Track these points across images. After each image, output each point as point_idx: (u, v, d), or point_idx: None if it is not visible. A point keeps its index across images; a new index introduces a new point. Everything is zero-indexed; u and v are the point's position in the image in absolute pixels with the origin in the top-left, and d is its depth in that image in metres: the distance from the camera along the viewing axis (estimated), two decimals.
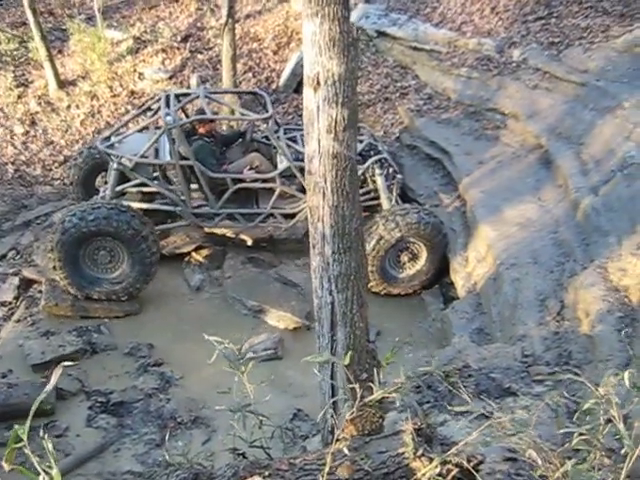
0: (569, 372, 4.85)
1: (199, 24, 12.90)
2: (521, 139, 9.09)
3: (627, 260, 5.96)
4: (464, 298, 7.42)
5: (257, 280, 8.13)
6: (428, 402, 4.76)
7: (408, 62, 11.31)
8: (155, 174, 8.03)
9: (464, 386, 4.77)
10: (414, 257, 7.98)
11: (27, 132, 11.25)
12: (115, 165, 7.72)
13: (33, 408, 1.83)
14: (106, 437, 5.97)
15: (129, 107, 11.52)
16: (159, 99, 8.09)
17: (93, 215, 7.30)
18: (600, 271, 6.04)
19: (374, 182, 8.22)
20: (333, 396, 3.42)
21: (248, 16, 12.92)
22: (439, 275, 8.18)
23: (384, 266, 7.85)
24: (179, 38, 12.53)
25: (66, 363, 2.05)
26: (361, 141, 8.35)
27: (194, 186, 8.04)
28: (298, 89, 11.18)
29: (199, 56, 12.31)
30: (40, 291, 7.82)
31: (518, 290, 6.67)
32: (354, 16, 11.63)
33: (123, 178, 7.89)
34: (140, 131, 8.17)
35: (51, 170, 10.80)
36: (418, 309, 7.95)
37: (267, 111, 7.96)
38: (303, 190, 6.90)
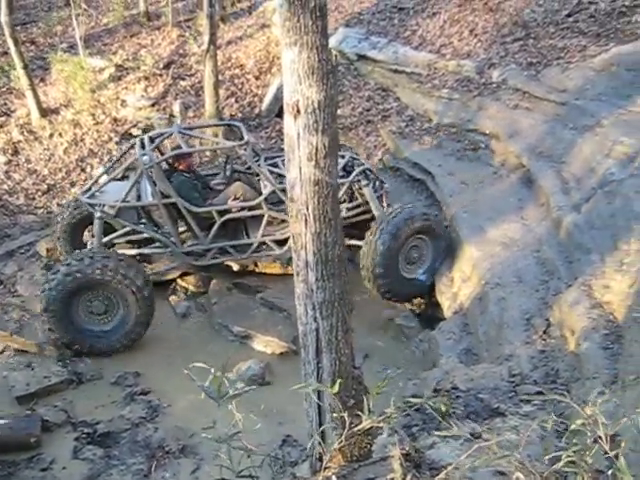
0: (556, 391, 4.88)
1: (181, 51, 12.98)
2: (503, 159, 9.17)
3: (610, 277, 5.99)
4: (450, 319, 7.41)
5: (243, 305, 8.10)
6: (416, 425, 4.75)
7: (389, 85, 11.41)
8: (142, 221, 7.89)
9: (453, 408, 4.78)
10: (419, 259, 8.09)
11: (10, 161, 11.22)
12: (98, 213, 7.50)
13: None
14: (93, 469, 5.86)
15: (112, 135, 11.53)
16: (133, 145, 8.00)
17: (110, 265, 7.11)
18: (584, 288, 6.06)
19: (362, 195, 8.20)
20: (320, 423, 3.40)
21: (230, 42, 13.04)
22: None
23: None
24: (161, 65, 12.60)
25: None
26: (343, 156, 8.39)
27: (182, 228, 7.92)
28: (281, 113, 11.19)
29: (182, 83, 12.37)
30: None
31: (504, 309, 6.68)
32: (334, 40, 11.75)
33: (110, 229, 7.77)
34: (121, 179, 8.08)
35: (34, 199, 10.76)
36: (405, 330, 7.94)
37: (243, 139, 7.93)
38: None
